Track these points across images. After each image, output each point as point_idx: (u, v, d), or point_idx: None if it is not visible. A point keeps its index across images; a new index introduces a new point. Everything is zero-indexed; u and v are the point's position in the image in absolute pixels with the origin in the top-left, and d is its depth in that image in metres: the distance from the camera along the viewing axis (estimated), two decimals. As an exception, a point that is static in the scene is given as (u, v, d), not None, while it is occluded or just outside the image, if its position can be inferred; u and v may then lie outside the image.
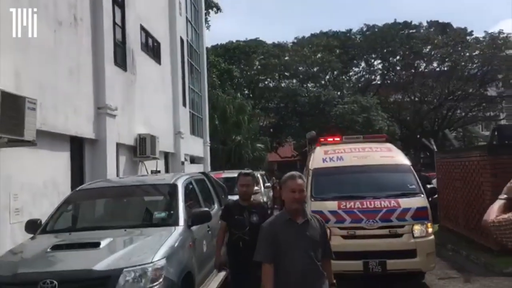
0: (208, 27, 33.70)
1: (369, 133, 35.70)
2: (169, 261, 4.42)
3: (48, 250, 4.64)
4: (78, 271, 4.21)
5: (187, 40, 18.26)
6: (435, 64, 39.56)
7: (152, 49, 13.81)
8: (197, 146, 20.11)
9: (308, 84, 42.01)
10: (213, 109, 27.43)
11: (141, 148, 11.49)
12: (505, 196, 2.90)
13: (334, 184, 7.54)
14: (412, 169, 7.57)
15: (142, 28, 12.72)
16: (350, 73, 43.51)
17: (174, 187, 5.84)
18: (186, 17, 18.48)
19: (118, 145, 10.47)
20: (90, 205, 6.14)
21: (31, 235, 5.38)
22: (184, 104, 17.20)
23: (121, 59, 11.09)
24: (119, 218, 5.78)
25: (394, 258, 6.55)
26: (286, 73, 41.89)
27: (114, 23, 10.69)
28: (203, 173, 8.02)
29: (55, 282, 4.04)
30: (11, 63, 6.52)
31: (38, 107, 6.91)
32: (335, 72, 40.73)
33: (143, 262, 4.31)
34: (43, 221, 5.55)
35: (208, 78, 29.79)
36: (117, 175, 10.14)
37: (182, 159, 15.85)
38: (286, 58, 40.82)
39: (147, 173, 12.20)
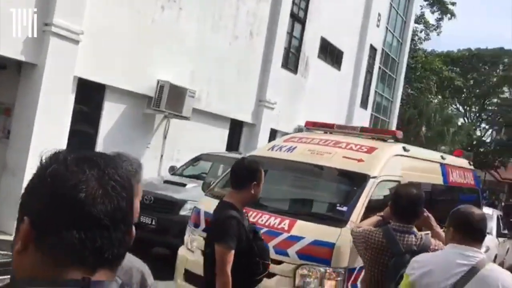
0: (438, 33, 33.48)
1: None
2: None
3: (164, 183, 7.92)
4: (165, 195, 7.33)
5: (382, 49, 19.73)
6: None
7: (331, 56, 16.08)
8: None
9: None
10: (419, 115, 27.85)
11: (298, 137, 14.16)
12: (382, 214, 3.48)
13: None
14: (372, 184, 4.49)
15: (323, 39, 15.11)
16: None
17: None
18: (387, 28, 19.86)
19: (275, 131, 13.38)
20: (204, 164, 9.27)
21: (171, 174, 8.82)
22: (365, 107, 18.95)
23: (293, 64, 13.85)
24: (211, 174, 8.70)
25: None
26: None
27: (291, 35, 13.48)
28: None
29: (153, 198, 7.21)
30: (189, 65, 10.04)
31: (205, 94, 10.42)
32: None
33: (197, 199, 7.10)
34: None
35: (424, 84, 30.11)
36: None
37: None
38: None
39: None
